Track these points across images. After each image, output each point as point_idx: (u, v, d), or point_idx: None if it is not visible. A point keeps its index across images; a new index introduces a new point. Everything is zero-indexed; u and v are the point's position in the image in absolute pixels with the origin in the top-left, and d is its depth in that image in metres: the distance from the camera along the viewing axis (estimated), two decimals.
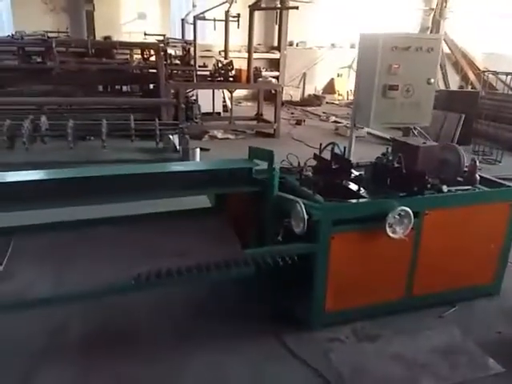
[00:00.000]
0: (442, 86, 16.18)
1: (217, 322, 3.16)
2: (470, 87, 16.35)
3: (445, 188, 3.14)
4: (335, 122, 11.81)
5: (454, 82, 17.20)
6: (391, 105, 3.45)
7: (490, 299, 3.53)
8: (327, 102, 15.78)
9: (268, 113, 10.42)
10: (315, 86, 16.91)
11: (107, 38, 13.83)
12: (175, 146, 7.90)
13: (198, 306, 3.34)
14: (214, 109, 10.84)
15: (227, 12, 10.31)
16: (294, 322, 3.12)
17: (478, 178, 3.42)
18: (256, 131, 10.07)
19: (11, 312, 2.57)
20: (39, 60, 10.39)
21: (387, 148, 3.42)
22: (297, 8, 10.16)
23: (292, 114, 13.19)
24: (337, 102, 15.92)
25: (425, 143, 3.36)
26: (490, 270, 3.49)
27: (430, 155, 3.24)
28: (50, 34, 11.18)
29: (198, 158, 7.27)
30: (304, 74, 16.56)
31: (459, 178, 3.42)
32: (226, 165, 3.23)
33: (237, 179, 3.07)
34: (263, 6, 11.46)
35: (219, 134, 9.57)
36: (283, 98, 14.03)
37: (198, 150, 7.41)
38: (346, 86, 16.43)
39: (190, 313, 3.27)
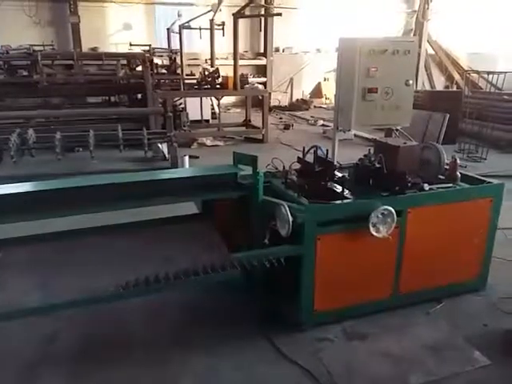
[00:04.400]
0: (427, 87, 16.43)
1: (209, 325, 3.19)
2: (455, 87, 16.59)
3: (426, 186, 3.21)
4: (323, 125, 11.92)
5: (440, 83, 17.45)
6: (371, 107, 3.52)
7: (476, 294, 3.59)
8: (315, 106, 15.94)
9: (256, 118, 10.51)
10: (302, 91, 17.07)
11: (94, 49, 13.88)
12: (164, 155, 7.93)
13: (190, 312, 3.36)
14: (202, 116, 10.90)
15: (212, 20, 10.40)
16: (283, 324, 3.15)
17: (459, 175, 3.50)
18: (245, 137, 10.14)
19: (2, 322, 2.58)
20: (25, 74, 10.39)
21: (369, 149, 3.49)
22: (280, 14, 10.28)
23: (280, 118, 13.29)
24: (324, 106, 16.07)
25: (405, 143, 3.43)
26: (475, 265, 3.56)
27: (410, 155, 3.31)
28: (35, 48, 11.19)
29: (187, 166, 7.30)
30: (291, 79, 16.71)
31: (441, 176, 3.50)
32: (211, 171, 3.28)
33: (223, 185, 3.12)
34: (247, 13, 11.57)
35: (208, 141, 9.62)
36: (271, 104, 14.17)
37: (186, 157, 7.45)
38: (332, 90, 16.58)
39: (182, 318, 3.30)
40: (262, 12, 14.39)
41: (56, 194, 2.73)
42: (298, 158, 3.58)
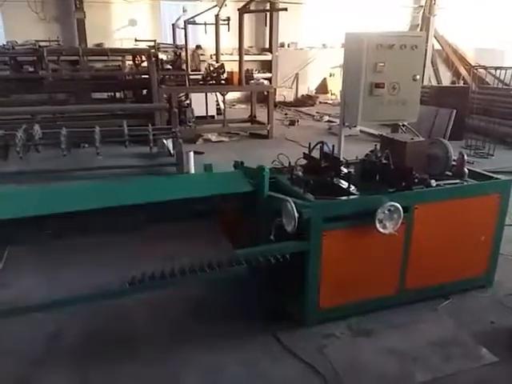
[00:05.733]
0: (434, 82, 16.30)
1: (213, 322, 3.19)
2: (462, 82, 16.45)
3: (433, 182, 3.18)
4: (329, 121, 11.86)
5: (446, 78, 17.30)
6: (378, 102, 3.49)
7: (483, 290, 3.57)
8: (320, 102, 15.85)
9: (261, 114, 10.48)
10: (308, 87, 16.99)
11: (99, 45, 13.89)
12: (169, 151, 7.93)
13: (194, 307, 3.37)
14: (207, 112, 10.87)
15: (217, 16, 10.36)
16: (289, 320, 3.15)
17: (467, 171, 3.47)
18: (250, 133, 10.12)
19: (9, 318, 2.59)
20: (31, 69, 10.41)
21: (375, 145, 3.46)
22: (285, 9, 10.21)
23: (286, 114, 13.24)
24: (330, 102, 15.98)
25: (412, 139, 3.40)
26: (482, 261, 3.53)
27: (418, 151, 3.28)
28: (41, 43, 11.20)
29: (192, 162, 7.28)
30: (296, 75, 16.63)
31: (448, 172, 3.47)
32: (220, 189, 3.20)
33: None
34: (253, 8, 11.52)
35: (213, 137, 9.61)
36: (276, 99, 14.12)
37: (191, 153, 7.43)
38: (338, 86, 16.48)
39: (186, 314, 3.30)
40: (268, 7, 14.31)
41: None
42: (304, 153, 3.57)
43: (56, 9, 14.06)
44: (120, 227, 2.79)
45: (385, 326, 3.15)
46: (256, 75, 14.11)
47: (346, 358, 2.86)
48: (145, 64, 10.71)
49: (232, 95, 14.50)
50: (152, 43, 12.92)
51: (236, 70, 10.05)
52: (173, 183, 3.19)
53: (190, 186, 3.07)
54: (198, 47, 12.84)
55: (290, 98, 16.06)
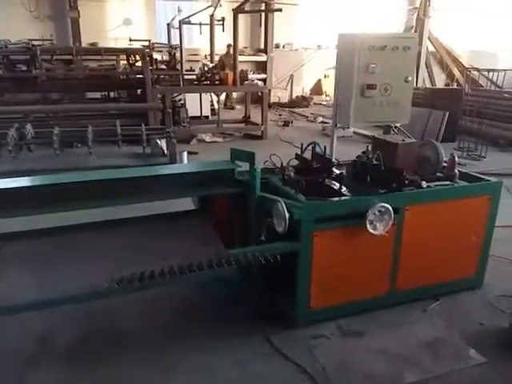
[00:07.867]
0: (428, 84, 16.39)
1: (204, 323, 3.18)
2: (455, 84, 16.55)
3: (424, 184, 3.19)
4: (323, 122, 11.89)
5: (440, 80, 17.41)
6: (370, 104, 3.50)
7: (473, 292, 3.58)
8: (315, 103, 15.89)
9: (256, 115, 10.48)
10: (303, 88, 17.03)
11: (93, 44, 13.84)
12: (163, 151, 7.91)
13: (186, 308, 3.36)
14: (201, 112, 10.86)
15: (212, 16, 10.36)
16: (280, 321, 3.14)
17: (458, 173, 3.49)
18: (244, 133, 10.12)
19: None
20: (24, 68, 10.36)
21: (367, 146, 3.47)
22: (280, 10, 10.23)
23: (280, 115, 13.26)
24: (324, 103, 16.02)
25: (403, 140, 3.41)
26: (472, 263, 3.55)
27: (409, 152, 3.29)
28: (34, 42, 11.15)
29: (185, 162, 7.29)
30: (291, 76, 16.66)
31: (439, 174, 3.49)
32: (209, 167, 3.27)
33: (220, 181, 3.10)
34: (247, 9, 11.52)
35: (207, 138, 9.60)
36: (271, 100, 14.14)
37: (185, 153, 7.44)
38: (332, 87, 16.51)
39: (179, 314, 3.29)
40: (263, 7, 14.33)
41: (51, 189, 2.72)
42: (296, 154, 3.57)
43: (50, 7, 14.00)
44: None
45: (375, 326, 3.16)
46: (251, 76, 14.11)
47: (335, 358, 2.86)
48: (139, 64, 10.67)
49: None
50: (146, 43, 12.90)
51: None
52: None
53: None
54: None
55: (285, 98, 16.09)
